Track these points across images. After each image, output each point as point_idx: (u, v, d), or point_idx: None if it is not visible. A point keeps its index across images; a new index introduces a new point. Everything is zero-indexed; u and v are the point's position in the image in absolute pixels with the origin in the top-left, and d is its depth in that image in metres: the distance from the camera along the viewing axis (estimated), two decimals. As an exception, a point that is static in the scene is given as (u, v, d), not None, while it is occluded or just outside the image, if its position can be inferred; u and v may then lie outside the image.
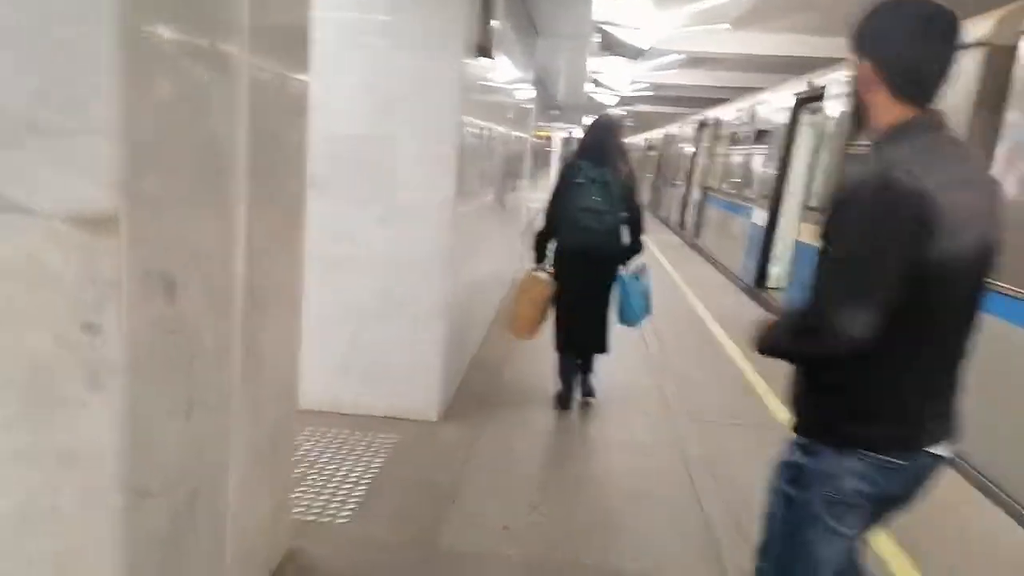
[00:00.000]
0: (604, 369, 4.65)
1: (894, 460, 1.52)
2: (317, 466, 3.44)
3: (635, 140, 30.76)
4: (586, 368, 4.41)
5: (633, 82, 19.30)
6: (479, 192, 4.76)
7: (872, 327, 1.40)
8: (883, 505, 1.61)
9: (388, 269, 3.88)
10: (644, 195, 21.91)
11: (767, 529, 1.70)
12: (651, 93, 21.85)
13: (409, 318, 3.90)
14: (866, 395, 1.53)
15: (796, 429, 1.65)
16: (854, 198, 1.44)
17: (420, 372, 3.96)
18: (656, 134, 24.03)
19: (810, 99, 8.00)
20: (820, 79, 7.59)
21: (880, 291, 1.41)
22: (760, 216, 8.88)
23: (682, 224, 15.64)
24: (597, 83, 16.73)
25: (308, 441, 3.67)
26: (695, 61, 16.12)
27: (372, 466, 3.47)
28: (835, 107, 6.82)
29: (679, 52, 14.67)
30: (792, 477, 1.62)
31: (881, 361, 1.47)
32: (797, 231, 7.47)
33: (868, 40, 1.51)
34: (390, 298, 3.90)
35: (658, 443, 4.04)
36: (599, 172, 3.98)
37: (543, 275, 3.92)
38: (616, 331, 4.34)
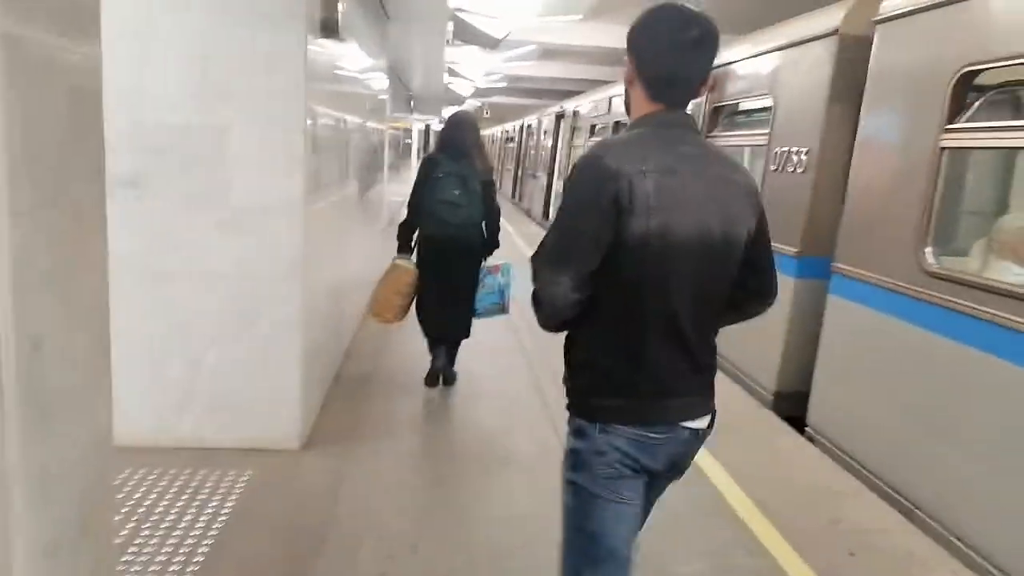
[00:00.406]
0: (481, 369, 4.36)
1: (653, 433, 1.63)
2: (151, 520, 2.88)
3: (493, 131, 30.76)
4: (450, 353, 4.62)
5: (488, 73, 19.14)
6: (334, 187, 4.29)
7: (569, 291, 1.56)
8: (655, 474, 1.71)
9: (231, 281, 3.35)
10: (505, 186, 22.05)
11: (564, 522, 1.73)
12: (507, 85, 21.86)
13: (259, 335, 3.40)
14: (609, 370, 1.63)
15: (568, 410, 1.73)
16: (570, 176, 1.61)
17: (276, 395, 3.46)
18: (514, 125, 24.07)
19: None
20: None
21: (575, 259, 1.56)
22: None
23: (545, 215, 15.67)
24: (453, 73, 16.38)
25: (139, 487, 3.09)
26: (550, 53, 16.20)
27: (221, 512, 2.96)
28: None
29: (533, 43, 14.65)
30: (572, 464, 1.69)
31: (616, 336, 1.62)
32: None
33: (633, 41, 1.66)
34: (236, 314, 3.38)
35: (536, 454, 3.78)
36: (457, 166, 4.15)
37: (406, 263, 4.04)
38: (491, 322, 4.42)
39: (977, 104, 3.38)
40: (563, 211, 1.61)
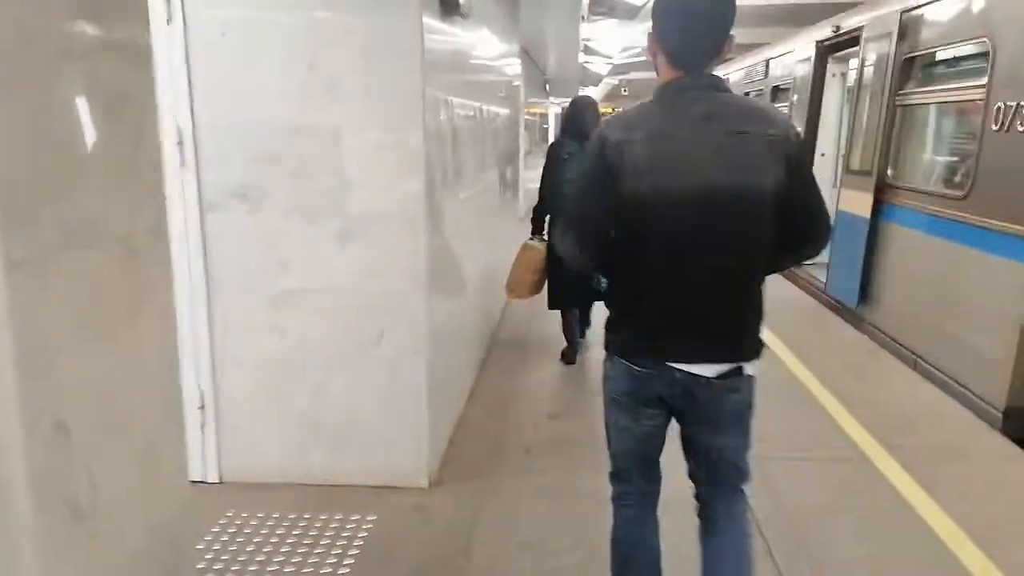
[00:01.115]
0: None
1: (637, 367, 1.83)
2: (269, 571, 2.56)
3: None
4: (584, 319, 5.02)
5: (626, 48, 18.20)
6: (463, 184, 3.84)
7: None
8: (653, 404, 1.87)
9: (353, 299, 2.98)
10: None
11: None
12: (646, 58, 20.73)
13: (382, 359, 3.01)
14: (617, 311, 1.89)
15: None
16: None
17: (402, 426, 3.07)
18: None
19: (839, 45, 7.00)
20: (849, 21, 6.59)
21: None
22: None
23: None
24: (589, 51, 15.66)
25: (257, 533, 2.79)
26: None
27: (340, 570, 2.59)
28: (874, 51, 5.83)
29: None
30: (602, 378, 1.97)
31: (625, 283, 1.84)
32: (837, 199, 6.52)
33: (653, 13, 1.80)
34: (357, 335, 3.00)
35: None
36: (580, 147, 4.16)
37: (538, 243, 4.15)
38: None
39: None
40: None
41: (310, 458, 3.09)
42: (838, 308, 6.18)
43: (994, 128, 4.15)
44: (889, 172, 5.52)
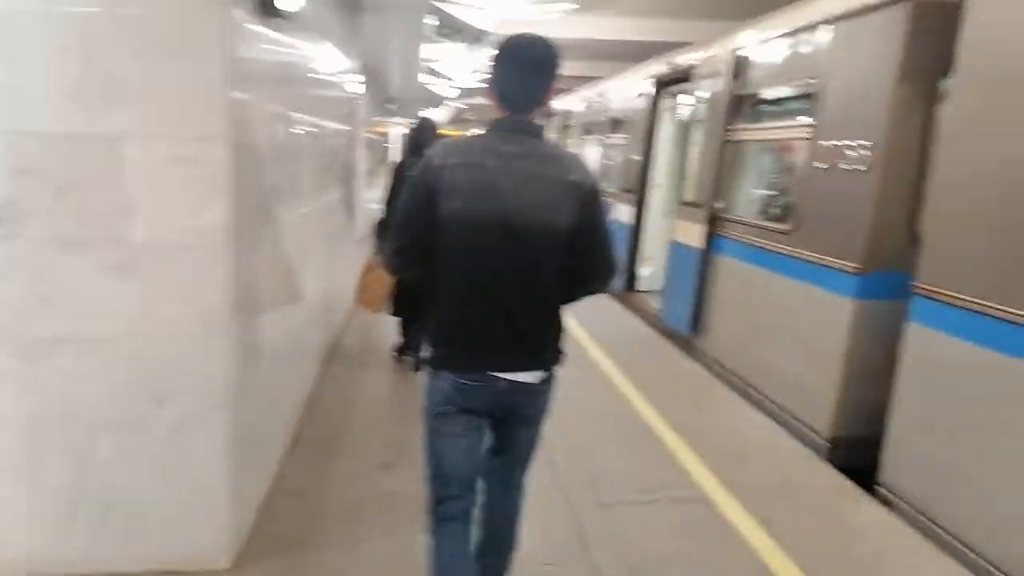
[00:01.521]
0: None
1: (462, 380, 1.99)
2: None
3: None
4: (418, 328, 4.80)
5: (475, 71, 18.26)
6: (289, 204, 3.40)
7: (400, 258, 2.04)
8: (478, 415, 2.05)
9: (132, 346, 2.45)
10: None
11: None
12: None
13: (170, 417, 2.50)
14: (436, 326, 2.03)
15: None
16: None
17: (195, 497, 2.56)
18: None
19: (673, 80, 7.24)
20: (683, 58, 6.82)
21: (405, 233, 2.01)
22: (625, 212, 8.07)
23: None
24: (434, 73, 15.48)
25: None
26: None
27: None
28: (707, 87, 6.04)
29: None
30: (423, 401, 2.10)
31: (439, 299, 2.00)
32: (671, 230, 6.67)
33: (492, 59, 2.03)
34: (141, 392, 2.48)
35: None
36: None
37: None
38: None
39: None
40: (402, 198, 2.04)
41: (71, 543, 2.49)
42: (674, 337, 6.29)
43: (819, 166, 4.33)
44: (720, 205, 5.69)
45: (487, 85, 2.02)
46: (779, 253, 4.70)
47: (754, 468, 3.75)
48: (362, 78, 7.67)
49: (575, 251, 1.97)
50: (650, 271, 7.82)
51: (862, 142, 3.96)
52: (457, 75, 16.51)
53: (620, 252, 8.09)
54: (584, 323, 6.61)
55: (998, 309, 2.93)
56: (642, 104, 7.90)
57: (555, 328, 2.07)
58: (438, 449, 2.07)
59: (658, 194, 7.75)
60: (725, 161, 5.68)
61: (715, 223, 5.69)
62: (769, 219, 5.15)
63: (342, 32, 5.74)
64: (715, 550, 2.96)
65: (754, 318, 5.03)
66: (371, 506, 3.17)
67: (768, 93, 5.39)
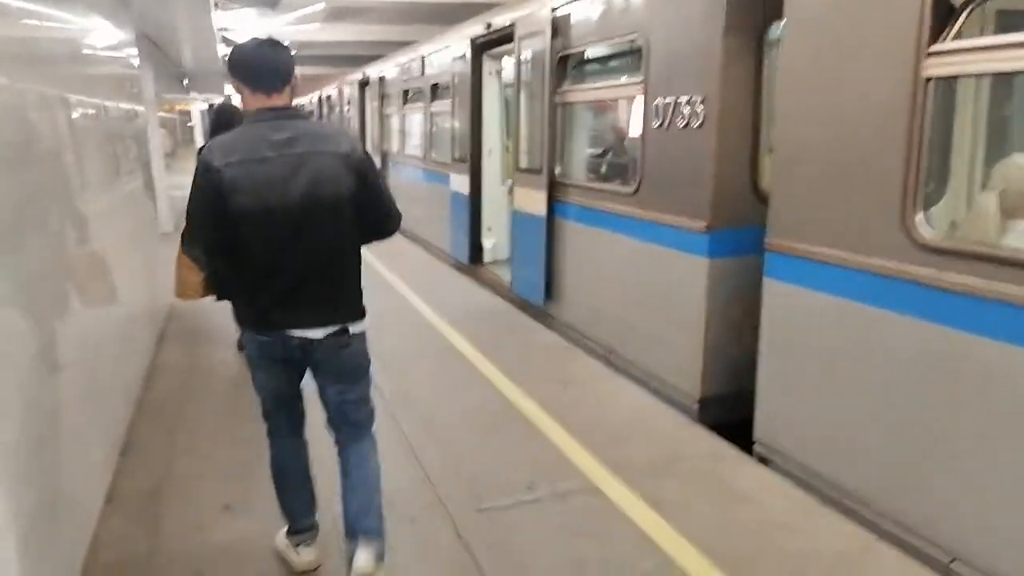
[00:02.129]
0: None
1: (261, 336, 2.34)
2: None
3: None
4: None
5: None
6: (46, 207, 2.70)
7: (200, 252, 2.28)
8: (279, 362, 2.39)
9: None
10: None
11: None
12: (294, 53, 19.60)
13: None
14: (238, 295, 2.39)
15: None
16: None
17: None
18: (309, 99, 21.85)
19: (492, 42, 6.94)
20: (500, 19, 6.52)
21: (199, 232, 2.25)
22: (460, 183, 7.74)
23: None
24: (228, 42, 14.10)
25: None
26: (340, 12, 14.41)
27: None
28: (529, 48, 5.79)
29: (321, 1, 12.85)
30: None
31: (239, 275, 2.28)
32: (510, 198, 6.44)
33: (231, 64, 2.28)
34: None
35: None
36: None
37: None
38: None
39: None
40: (189, 200, 2.24)
41: None
42: (527, 307, 6.11)
43: (654, 125, 4.22)
44: (558, 170, 5.52)
45: (234, 82, 2.27)
46: (626, 216, 4.59)
47: (633, 443, 3.62)
48: (137, 51, 6.64)
49: (361, 209, 2.32)
50: (493, 242, 7.58)
51: (694, 97, 3.88)
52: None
53: (461, 225, 7.84)
54: (435, 303, 6.26)
55: (845, 258, 2.93)
56: (463, 68, 7.54)
57: (351, 283, 2.38)
58: (258, 384, 2.49)
59: (492, 162, 7.48)
60: (557, 124, 5.49)
61: (556, 188, 5.51)
62: (611, 181, 5.05)
63: (110, 3, 4.85)
64: (612, 546, 2.77)
65: (608, 283, 4.93)
66: (211, 566, 2.66)
67: (593, 51, 5.24)
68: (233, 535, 2.85)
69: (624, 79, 4.64)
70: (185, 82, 19.34)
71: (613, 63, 4.92)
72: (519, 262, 6.24)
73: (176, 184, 9.10)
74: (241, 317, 2.40)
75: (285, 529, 2.64)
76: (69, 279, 2.96)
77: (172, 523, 2.94)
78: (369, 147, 13.21)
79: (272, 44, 2.28)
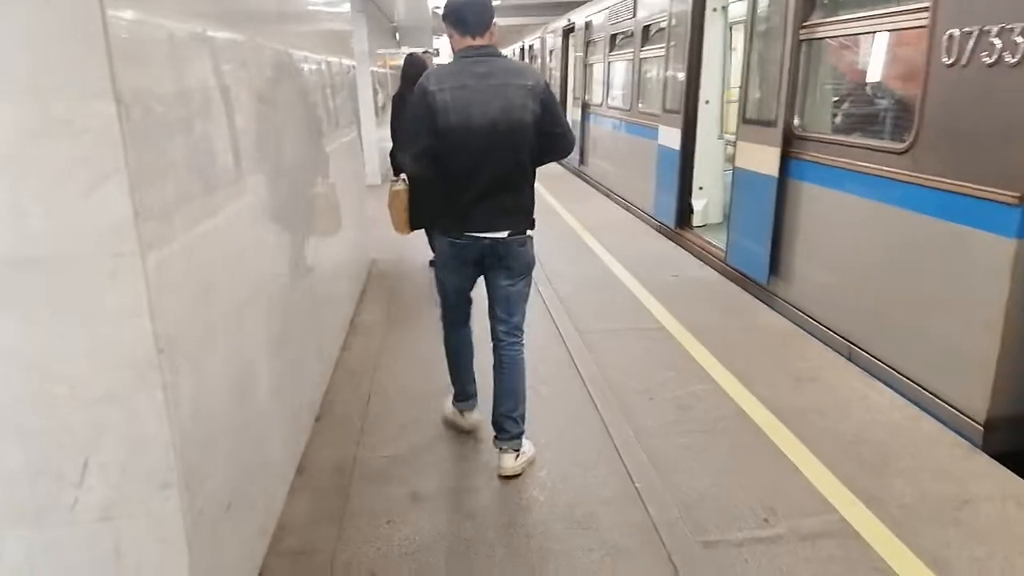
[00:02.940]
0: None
1: (455, 239, 2.82)
2: None
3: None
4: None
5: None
6: (249, 178, 2.49)
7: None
8: (469, 264, 2.88)
9: (20, 417, 1.62)
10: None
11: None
12: (500, 2, 19.40)
13: (97, 503, 1.68)
14: (440, 204, 2.81)
15: None
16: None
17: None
18: (512, 50, 21.70)
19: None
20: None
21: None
22: (670, 137, 7.01)
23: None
24: (438, -5, 14.12)
25: None
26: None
27: None
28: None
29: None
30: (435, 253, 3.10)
31: (442, 185, 2.76)
32: (730, 154, 5.64)
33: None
34: (45, 473, 1.66)
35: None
36: None
37: (400, 184, 3.76)
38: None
39: None
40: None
41: None
42: (745, 282, 5.35)
43: (946, 61, 3.28)
44: (796, 121, 4.65)
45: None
46: (891, 179, 3.69)
47: (897, 472, 2.86)
48: (350, 6, 6.59)
49: (542, 132, 2.74)
50: (704, 203, 6.81)
51: (1015, 24, 2.90)
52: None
53: (668, 183, 7.13)
54: (639, 272, 5.69)
55: None
56: (682, 5, 6.72)
57: (528, 199, 2.84)
58: (445, 281, 3.01)
59: (709, 113, 6.66)
60: (800, 65, 4.60)
61: (793, 143, 4.65)
62: (870, 136, 4.12)
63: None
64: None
65: (856, 261, 4.06)
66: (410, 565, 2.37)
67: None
68: (411, 534, 2.56)
69: (902, 5, 3.67)
70: (397, 36, 19.96)
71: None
72: (739, 229, 5.46)
73: (385, 136, 9.19)
74: (441, 225, 2.87)
75: (451, 399, 3.29)
76: (302, 217, 3.34)
77: (358, 507, 2.72)
78: (570, 100, 12.70)
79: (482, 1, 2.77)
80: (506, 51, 23.56)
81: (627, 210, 8.57)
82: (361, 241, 5.85)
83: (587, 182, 10.83)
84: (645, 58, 8.30)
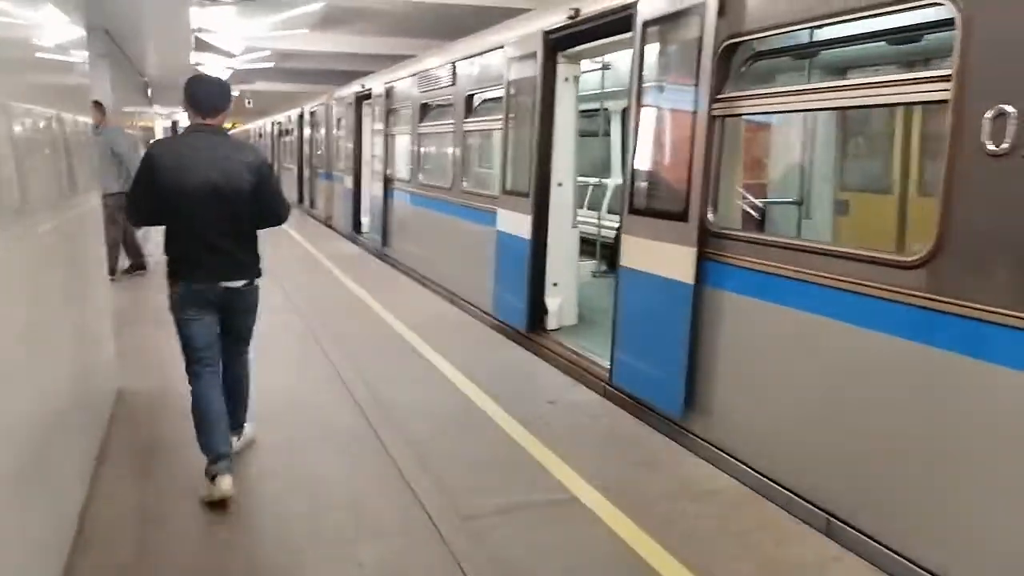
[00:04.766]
0: None
1: (192, 286, 3.26)
2: None
3: (258, 124, 26.08)
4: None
5: (250, 49, 14.97)
6: None
7: (138, 217, 3.51)
8: (205, 306, 3.30)
9: None
10: (290, 189, 17.88)
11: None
12: (275, 65, 17.66)
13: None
14: (172, 253, 3.31)
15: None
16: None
17: None
18: (289, 115, 19.87)
19: (573, 37, 5.18)
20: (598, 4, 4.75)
21: (139, 202, 3.29)
22: (515, 223, 5.87)
23: (356, 227, 12.16)
24: (201, 45, 12.13)
25: None
26: (337, 15, 12.53)
27: None
28: (664, 36, 3.99)
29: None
30: (171, 303, 3.36)
31: (175, 237, 3.28)
32: (610, 248, 4.58)
33: (184, 91, 3.36)
34: None
35: None
36: None
37: None
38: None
39: None
40: (134, 178, 3.32)
41: None
42: (640, 410, 4.22)
43: (984, 148, 2.43)
44: (711, 216, 3.71)
45: (184, 104, 3.36)
46: (893, 300, 2.77)
47: None
48: (89, 53, 4.74)
49: (258, 200, 3.31)
50: (559, 302, 5.70)
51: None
52: (232, 46, 13.21)
53: (513, 277, 5.97)
54: (504, 399, 4.32)
55: None
56: (525, 73, 5.74)
57: (251, 253, 3.41)
58: (187, 330, 3.32)
59: (562, 197, 5.65)
60: (715, 147, 3.69)
61: (710, 243, 3.69)
62: (845, 238, 3.24)
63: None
64: None
65: (825, 404, 3.08)
66: None
67: (789, 37, 3.48)
68: None
69: (903, 75, 2.85)
70: (148, 92, 17.25)
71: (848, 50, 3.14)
72: (628, 343, 4.37)
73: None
74: (177, 269, 3.29)
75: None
76: None
77: None
78: (367, 173, 11.32)
79: (212, 80, 3.51)
80: (279, 117, 21.62)
81: (451, 302, 7.26)
82: (95, 362, 3.89)
83: (394, 266, 9.40)
84: (469, 131, 7.21)
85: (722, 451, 3.65)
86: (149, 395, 4.45)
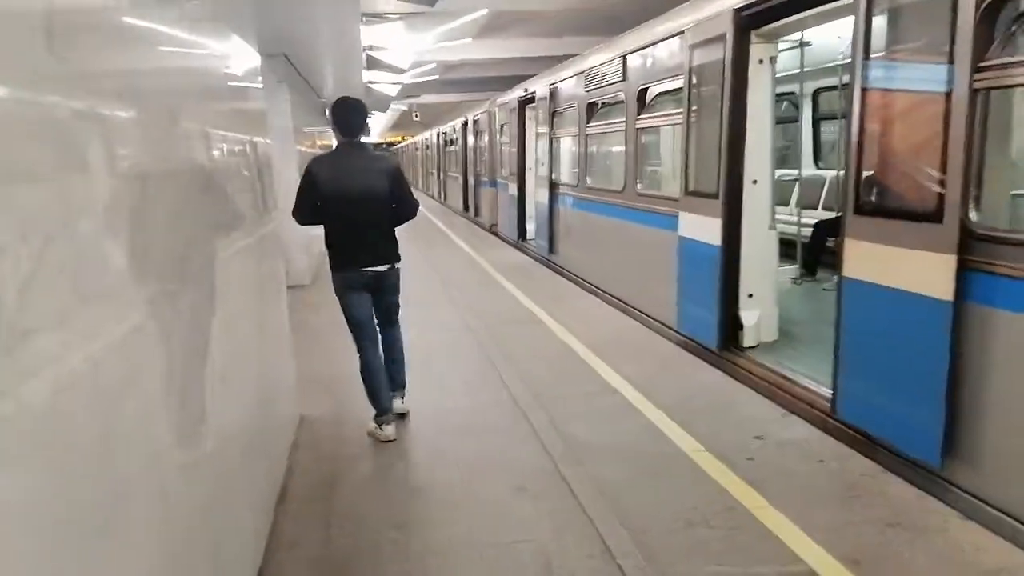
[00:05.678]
0: None
1: (349, 273, 3.96)
2: None
3: (425, 136, 26.91)
4: None
5: (416, 64, 15.30)
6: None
7: (302, 219, 4.03)
8: (359, 289, 4.00)
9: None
10: (454, 198, 17.91)
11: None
12: (439, 77, 18.01)
13: None
14: (329, 246, 4.01)
15: None
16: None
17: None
18: (453, 125, 20.23)
19: (773, 9, 4.48)
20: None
21: (298, 208, 3.97)
22: (701, 228, 5.25)
23: (521, 234, 11.96)
24: (373, 64, 12.47)
25: None
26: (495, 26, 12.44)
27: None
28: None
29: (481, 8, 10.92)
30: (334, 286, 4.07)
31: (330, 234, 3.97)
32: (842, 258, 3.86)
33: (330, 112, 4.18)
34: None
35: None
36: None
37: None
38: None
39: None
40: (299, 189, 3.96)
41: None
42: (874, 450, 3.49)
43: None
44: (975, 217, 2.93)
45: (332, 123, 4.12)
46: None
47: None
48: (263, 79, 4.82)
49: (394, 197, 4.00)
50: (757, 315, 5.01)
51: None
52: (401, 64, 13.51)
53: (700, 288, 5.36)
54: (701, 433, 3.75)
55: None
56: (708, 58, 5.11)
57: (391, 242, 4.05)
58: (349, 309, 4.02)
59: (757, 196, 4.96)
60: (980, 127, 2.92)
61: (976, 249, 2.92)
62: None
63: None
64: None
65: None
66: None
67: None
68: None
69: None
70: (327, 113, 18.19)
71: None
72: (857, 369, 3.64)
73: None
74: (334, 260, 3.99)
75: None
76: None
77: None
78: (531, 179, 11.08)
79: (352, 105, 4.07)
80: (443, 128, 22.14)
81: (626, 313, 6.75)
82: (281, 388, 3.83)
83: (561, 274, 9.04)
84: (643, 128, 6.67)
85: (1003, 512, 2.86)
86: (329, 422, 4.34)
